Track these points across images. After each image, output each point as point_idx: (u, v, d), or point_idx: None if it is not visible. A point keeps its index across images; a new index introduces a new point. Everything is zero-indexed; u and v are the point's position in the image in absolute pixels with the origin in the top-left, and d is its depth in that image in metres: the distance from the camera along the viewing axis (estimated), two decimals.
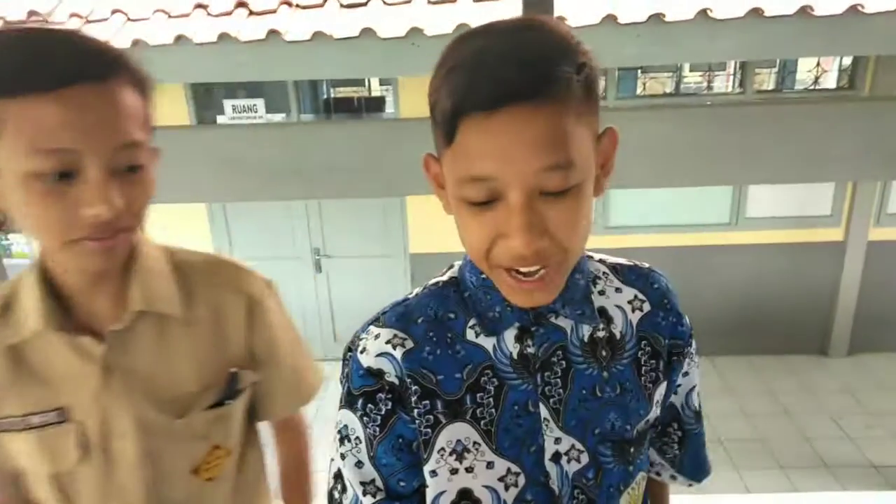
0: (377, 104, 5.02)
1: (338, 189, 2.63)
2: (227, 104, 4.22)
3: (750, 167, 2.75)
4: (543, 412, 0.65)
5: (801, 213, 4.42)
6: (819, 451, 3.62)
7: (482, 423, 0.65)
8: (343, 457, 0.68)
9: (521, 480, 0.66)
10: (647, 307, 0.71)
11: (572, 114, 0.53)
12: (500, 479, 0.65)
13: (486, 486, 0.65)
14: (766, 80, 5.44)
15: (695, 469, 0.80)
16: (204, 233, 4.64)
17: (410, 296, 0.71)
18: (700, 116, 2.75)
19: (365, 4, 3.00)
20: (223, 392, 0.83)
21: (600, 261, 0.73)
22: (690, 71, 5.72)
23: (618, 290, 0.71)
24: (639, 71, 5.04)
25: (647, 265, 0.75)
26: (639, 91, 5.13)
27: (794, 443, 3.71)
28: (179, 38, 2.77)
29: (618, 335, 0.69)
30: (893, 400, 4.08)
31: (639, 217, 4.46)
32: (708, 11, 2.68)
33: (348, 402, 0.68)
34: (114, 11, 3.15)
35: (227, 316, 0.84)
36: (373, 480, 0.67)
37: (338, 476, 0.69)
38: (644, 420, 0.69)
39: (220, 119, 4.32)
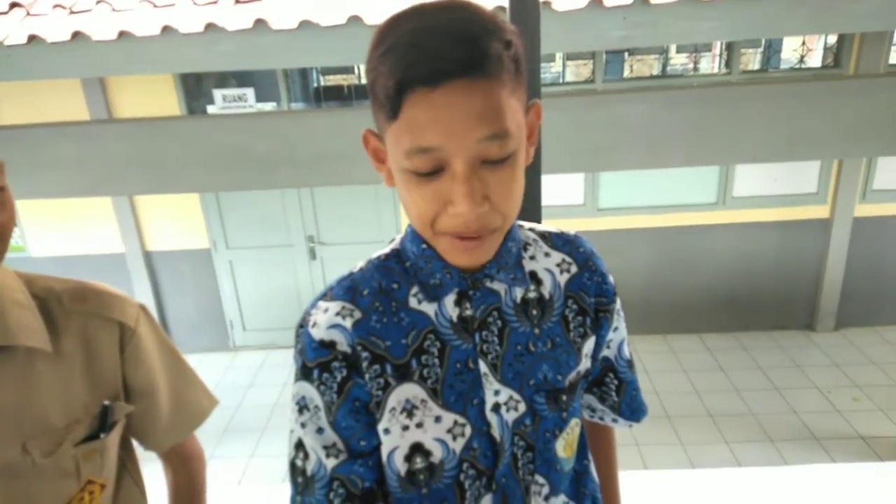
0: (367, 91, 5.01)
1: (329, 176, 2.64)
2: (217, 94, 4.20)
3: (736, 147, 2.78)
4: (483, 368, 0.71)
5: (787, 192, 4.47)
6: (808, 424, 3.70)
7: (428, 382, 0.70)
8: (303, 425, 0.72)
9: (468, 430, 0.71)
10: (573, 269, 0.77)
11: (506, 88, 0.58)
12: (448, 431, 0.71)
13: (436, 439, 0.71)
14: (752, 60, 5.46)
15: (632, 412, 0.87)
16: (198, 223, 4.64)
17: (355, 270, 0.75)
18: (687, 98, 2.77)
19: None
20: (95, 425, 0.79)
21: (530, 229, 0.79)
22: (677, 52, 5.73)
23: (546, 254, 0.77)
24: (625, 53, 5.04)
25: (573, 232, 0.81)
26: (626, 74, 5.14)
27: (784, 416, 3.79)
28: (166, 29, 2.75)
29: (547, 296, 0.75)
30: (880, 373, 4.16)
31: (628, 198, 4.49)
32: None
33: (304, 374, 0.71)
34: (98, 1, 3.13)
35: (98, 346, 0.80)
36: (334, 444, 0.71)
37: (299, 445, 0.73)
38: (575, 371, 0.75)
39: (210, 109, 4.30)
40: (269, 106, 4.45)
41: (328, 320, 0.70)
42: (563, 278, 0.76)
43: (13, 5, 3.19)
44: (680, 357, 4.45)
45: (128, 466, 0.90)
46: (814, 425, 3.69)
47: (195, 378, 0.96)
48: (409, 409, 0.70)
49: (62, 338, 0.77)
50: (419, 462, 0.71)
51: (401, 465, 0.71)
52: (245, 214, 4.63)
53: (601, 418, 0.90)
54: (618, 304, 0.82)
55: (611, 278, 0.80)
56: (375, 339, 0.70)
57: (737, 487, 2.08)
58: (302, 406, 0.72)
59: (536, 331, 0.73)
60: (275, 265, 4.77)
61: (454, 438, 0.71)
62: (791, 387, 4.07)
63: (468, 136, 0.56)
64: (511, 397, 0.72)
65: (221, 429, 3.93)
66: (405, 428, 0.70)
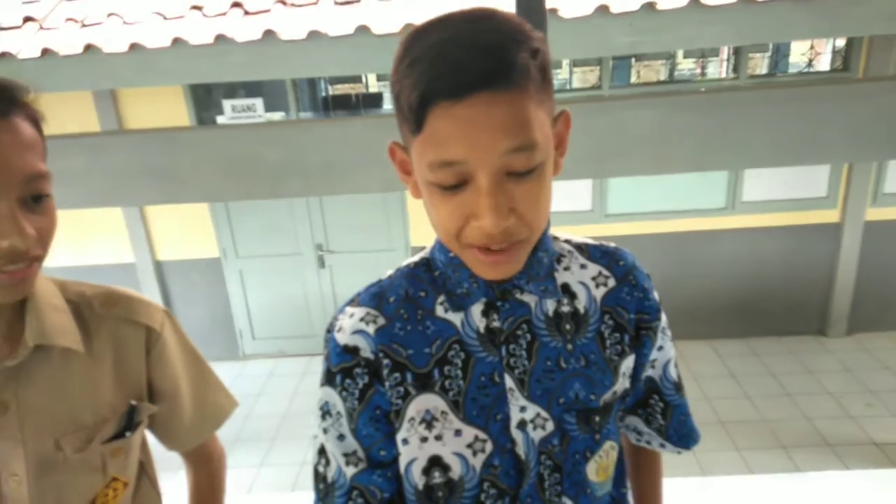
0: (375, 100, 5.05)
1: (338, 185, 2.65)
2: (227, 104, 4.24)
3: (745, 151, 2.77)
4: (508, 382, 0.69)
5: (797, 196, 4.44)
6: (821, 430, 3.66)
7: (450, 393, 0.69)
8: (325, 431, 0.72)
9: (489, 447, 0.69)
10: (611, 283, 0.74)
11: (533, 99, 0.56)
12: (469, 446, 0.69)
13: (455, 453, 0.69)
14: (760, 64, 5.45)
15: (681, 437, 0.83)
16: (208, 232, 4.67)
17: (384, 278, 0.75)
18: (695, 103, 2.77)
19: (358, 1, 3.02)
20: (122, 424, 0.83)
21: (566, 241, 0.76)
22: (684, 58, 5.73)
23: (583, 266, 0.74)
24: (632, 59, 5.05)
25: (613, 245, 0.78)
26: (633, 79, 5.14)
27: (796, 423, 3.75)
28: (176, 41, 2.78)
29: (581, 310, 0.72)
30: (893, 378, 4.11)
31: (637, 204, 4.48)
32: None
33: (328, 379, 0.72)
34: (109, 14, 3.17)
35: (126, 349, 0.84)
36: (354, 451, 0.70)
37: (321, 451, 0.73)
38: (610, 391, 0.72)
39: (220, 119, 4.34)
40: (277, 115, 4.48)
41: (352, 326, 0.71)
42: (599, 292, 0.73)
43: (27, 19, 3.24)
44: (690, 363, 4.42)
45: (146, 468, 0.93)
46: (826, 431, 3.65)
47: (216, 380, 1.00)
48: (428, 421, 0.69)
49: (93, 340, 0.81)
50: (437, 476, 0.70)
51: (418, 479, 0.70)
52: (254, 223, 4.66)
53: (648, 442, 0.86)
54: (663, 322, 0.78)
55: (655, 294, 0.77)
56: (398, 346, 0.69)
57: (749, 495, 2.06)
58: (325, 412, 0.72)
59: (569, 346, 0.70)
60: (284, 274, 4.79)
61: (474, 454, 0.69)
62: (803, 392, 4.03)
63: (492, 149, 0.55)
64: (538, 415, 0.69)
65: (231, 438, 3.94)
66: (424, 439, 0.69)
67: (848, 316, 4.62)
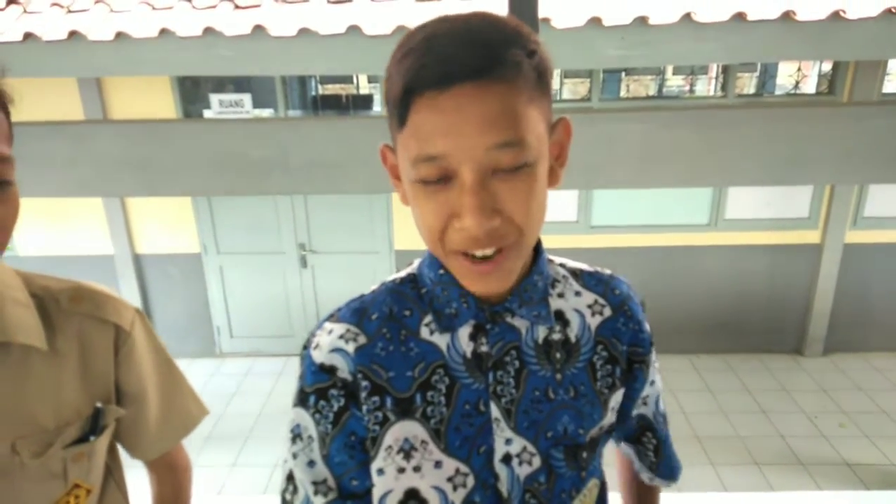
0: (365, 101, 5.02)
1: (323, 184, 2.62)
2: (214, 98, 4.19)
3: (730, 169, 2.78)
4: (494, 412, 0.64)
5: (779, 216, 4.49)
6: (795, 449, 3.69)
7: (432, 421, 0.64)
8: (295, 456, 0.66)
9: (470, 481, 0.64)
10: (607, 312, 0.70)
11: (523, 95, 0.53)
12: (449, 480, 0.64)
13: (434, 487, 0.64)
14: (748, 84, 5.52)
15: (670, 471, 0.83)
16: (189, 227, 4.61)
17: (367, 293, 0.70)
18: (683, 118, 2.78)
19: (350, 1, 3.00)
20: (86, 428, 0.78)
21: (561, 265, 0.73)
22: (673, 74, 5.79)
23: (577, 293, 0.70)
24: (622, 73, 5.08)
25: (608, 272, 0.75)
26: (622, 93, 5.18)
27: (771, 440, 3.77)
28: (163, 32, 2.74)
29: (573, 338, 0.68)
30: (867, 399, 4.16)
31: (621, 217, 4.50)
32: (692, 15, 2.72)
33: (301, 399, 0.66)
34: (96, 1, 3.12)
35: (92, 348, 0.79)
36: (325, 480, 0.65)
37: (289, 477, 0.68)
38: (598, 426, 0.69)
39: (207, 113, 4.29)
40: (265, 112, 4.44)
41: (331, 343, 0.66)
42: (594, 321, 0.69)
43: (10, 2, 3.18)
44: (668, 377, 4.44)
45: (113, 473, 0.88)
46: (800, 450, 3.68)
47: (186, 386, 0.94)
48: (406, 450, 0.64)
49: (58, 337, 0.76)
50: None
51: None
52: (237, 220, 4.61)
53: (638, 473, 0.85)
54: (653, 356, 0.75)
55: (647, 326, 0.73)
56: (378, 367, 0.65)
57: None
58: (296, 435, 0.67)
59: (558, 376, 0.66)
60: (265, 272, 4.74)
61: (454, 489, 0.64)
62: (778, 410, 4.07)
63: (478, 142, 0.52)
64: (525, 449, 0.65)
65: (204, 436, 3.88)
66: (401, 470, 0.64)
67: (824, 336, 4.68)
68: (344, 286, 4.69)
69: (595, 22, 2.64)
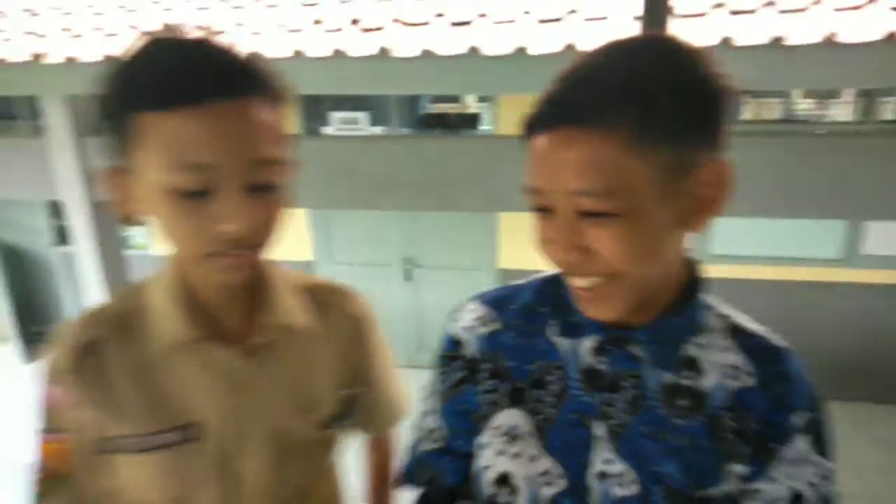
0: (471, 120, 5.07)
1: (438, 202, 2.67)
2: (334, 116, 4.40)
3: (870, 201, 2.55)
4: (599, 430, 0.64)
5: None
6: None
7: (538, 417, 0.67)
8: (424, 404, 0.79)
9: (562, 483, 0.65)
10: (750, 382, 0.63)
11: (622, 143, 0.52)
12: (541, 475, 0.66)
13: (527, 478, 0.66)
14: (892, 109, 5.06)
15: None
16: (302, 235, 4.84)
17: (519, 283, 0.76)
18: (816, 145, 2.59)
19: (470, 23, 3.05)
20: (341, 409, 0.84)
21: (722, 316, 0.67)
22: (805, 97, 5.41)
23: (725, 349, 0.65)
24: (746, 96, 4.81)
25: (783, 343, 0.66)
26: (746, 116, 4.90)
27: None
28: (297, 53, 2.91)
29: (703, 390, 0.63)
30: None
31: (744, 247, 4.24)
32: (833, 37, 2.53)
33: (436, 361, 0.77)
34: (237, 25, 3.36)
35: (340, 337, 0.85)
36: (439, 429, 0.75)
37: (418, 422, 0.80)
38: (718, 488, 0.62)
39: (325, 130, 4.51)
40: (378, 130, 4.60)
41: (468, 321, 0.74)
42: (730, 383, 0.63)
43: (164, 27, 3.49)
44: None
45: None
46: None
47: (398, 373, 1.03)
48: (511, 435, 0.68)
49: (324, 326, 0.84)
50: (504, 495, 0.67)
51: (487, 488, 0.69)
52: (346, 232, 4.78)
53: None
54: (795, 451, 0.63)
55: (798, 419, 0.63)
56: (502, 354, 0.70)
57: None
58: (428, 387, 0.78)
59: (677, 421, 0.63)
60: (369, 283, 4.88)
61: (546, 484, 0.65)
62: None
63: (564, 184, 0.55)
64: (625, 474, 0.63)
65: None
66: (501, 452, 0.68)
67: None
68: (445, 301, 4.73)
69: (726, 42, 2.52)
